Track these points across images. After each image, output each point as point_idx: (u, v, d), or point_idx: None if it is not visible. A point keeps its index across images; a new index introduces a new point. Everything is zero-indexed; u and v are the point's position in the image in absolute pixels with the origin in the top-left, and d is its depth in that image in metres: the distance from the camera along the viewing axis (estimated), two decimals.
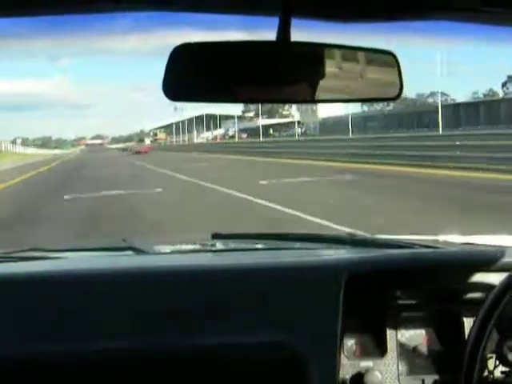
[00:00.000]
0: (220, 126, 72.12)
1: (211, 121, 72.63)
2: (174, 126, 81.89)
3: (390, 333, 1.48)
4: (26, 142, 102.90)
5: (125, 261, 1.68)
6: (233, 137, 59.34)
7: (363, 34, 1.06)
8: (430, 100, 53.80)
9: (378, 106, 47.57)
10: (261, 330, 1.31)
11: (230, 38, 0.98)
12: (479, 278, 1.45)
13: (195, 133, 74.60)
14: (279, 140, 41.18)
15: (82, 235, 7.36)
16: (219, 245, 1.90)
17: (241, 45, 0.98)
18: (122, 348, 1.27)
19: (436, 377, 1.48)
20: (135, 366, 1.28)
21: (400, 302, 1.50)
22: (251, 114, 68.38)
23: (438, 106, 30.73)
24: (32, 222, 8.88)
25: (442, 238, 1.77)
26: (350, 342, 1.47)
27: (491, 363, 1.30)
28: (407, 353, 1.49)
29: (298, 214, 8.59)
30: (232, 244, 2.03)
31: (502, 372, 1.32)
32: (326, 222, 7.57)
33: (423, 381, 1.48)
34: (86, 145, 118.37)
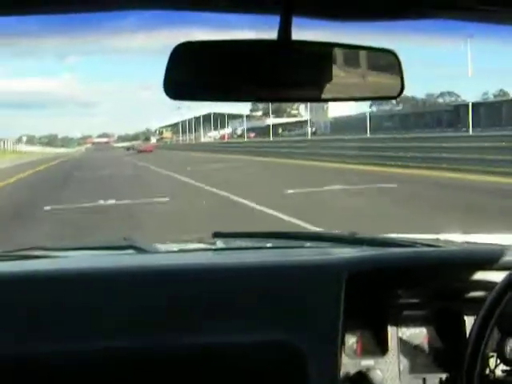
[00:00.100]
0: (227, 125, 71.95)
1: (218, 119, 72.44)
2: (180, 124, 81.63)
3: (391, 331, 1.48)
4: (32, 140, 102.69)
5: (126, 259, 1.67)
6: (241, 136, 58.95)
7: (364, 33, 1.06)
8: (440, 100, 53.55)
9: (387, 106, 47.22)
10: (262, 328, 1.31)
11: (231, 36, 0.98)
12: (480, 276, 1.45)
13: (202, 132, 74.43)
14: (290, 139, 39.36)
15: None
16: (220, 243, 1.90)
17: (242, 43, 0.98)
18: (123, 347, 1.27)
19: (437, 375, 1.48)
20: (136, 365, 1.28)
21: (401, 300, 1.50)
22: (259, 113, 68.24)
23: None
24: None
25: (443, 236, 1.77)
26: (351, 341, 1.47)
27: (492, 362, 1.30)
28: (408, 351, 1.49)
29: None
30: (233, 243, 2.03)
31: (503, 370, 1.32)
32: None
33: (424, 379, 1.48)
34: (93, 143, 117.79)
